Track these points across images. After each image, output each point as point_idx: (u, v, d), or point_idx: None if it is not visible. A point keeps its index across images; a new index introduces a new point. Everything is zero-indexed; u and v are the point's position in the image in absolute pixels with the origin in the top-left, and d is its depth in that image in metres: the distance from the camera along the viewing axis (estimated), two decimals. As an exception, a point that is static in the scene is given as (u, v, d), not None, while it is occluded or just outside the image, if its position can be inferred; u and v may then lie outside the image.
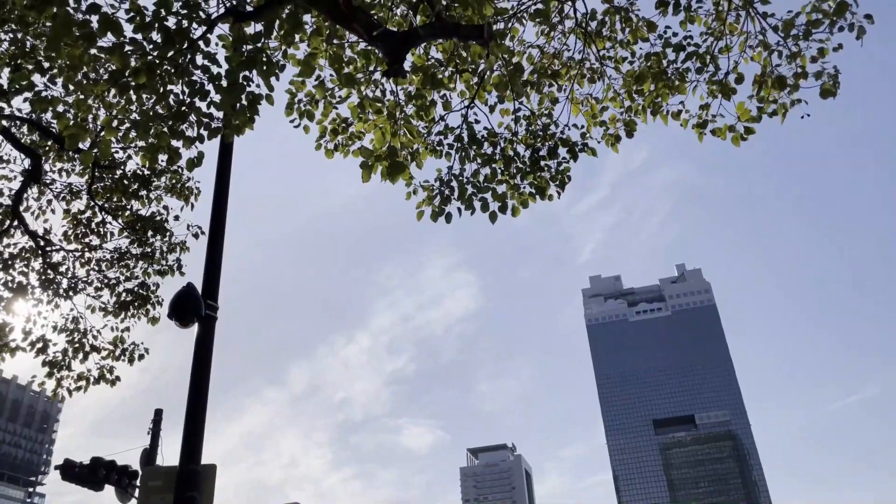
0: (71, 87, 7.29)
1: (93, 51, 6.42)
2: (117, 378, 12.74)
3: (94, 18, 6.11)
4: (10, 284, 12.28)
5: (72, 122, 6.40)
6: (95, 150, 6.52)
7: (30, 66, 9.19)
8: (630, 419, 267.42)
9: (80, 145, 10.36)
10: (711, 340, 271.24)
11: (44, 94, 7.69)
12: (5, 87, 9.29)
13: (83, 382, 12.49)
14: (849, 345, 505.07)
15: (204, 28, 5.98)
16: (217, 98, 6.46)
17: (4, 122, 9.82)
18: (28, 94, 9.93)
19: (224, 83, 6.41)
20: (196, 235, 12.50)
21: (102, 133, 6.26)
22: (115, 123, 6.13)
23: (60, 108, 10.06)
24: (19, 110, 10.73)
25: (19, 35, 8.60)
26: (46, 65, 9.16)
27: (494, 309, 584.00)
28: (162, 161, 10.71)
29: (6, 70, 9.21)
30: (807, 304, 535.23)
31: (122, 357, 12.63)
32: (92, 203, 12.57)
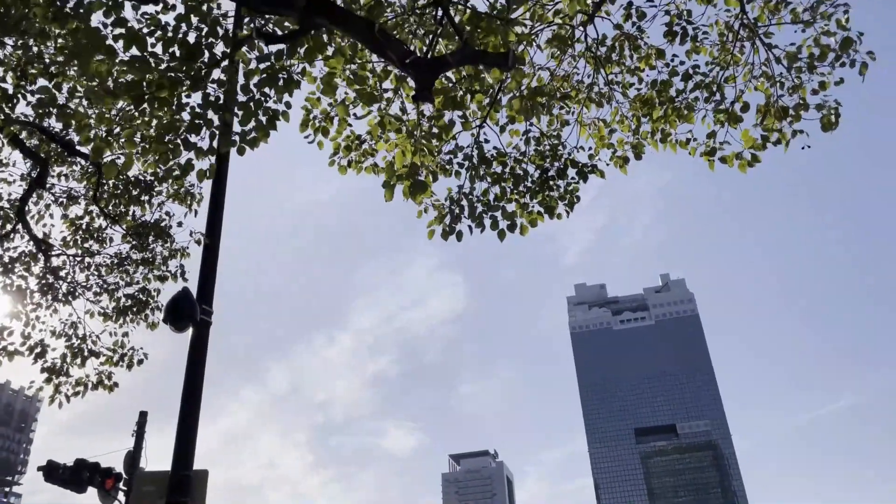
0: (86, 98, 7.38)
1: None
2: (115, 384, 12.74)
3: (114, 31, 6.24)
4: (9, 288, 12.26)
5: (93, 134, 6.47)
6: (119, 160, 6.60)
7: (34, 71, 9.24)
8: (612, 427, 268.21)
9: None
10: (694, 350, 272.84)
11: (63, 106, 7.75)
12: (10, 91, 9.31)
13: (81, 388, 12.47)
14: (832, 353, 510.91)
15: (229, 45, 6.09)
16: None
17: (12, 128, 9.84)
18: (32, 100, 10.02)
19: (242, 98, 6.54)
20: (199, 242, 12.53)
21: (124, 145, 6.35)
22: (136, 137, 6.22)
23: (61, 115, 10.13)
24: (24, 115, 10.75)
25: (29, 42, 8.64)
26: (53, 71, 9.22)
27: (478, 310, 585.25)
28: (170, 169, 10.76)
29: (10, 75, 9.26)
30: (789, 312, 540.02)
31: (121, 362, 12.63)
32: (92, 208, 12.59)
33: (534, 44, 7.77)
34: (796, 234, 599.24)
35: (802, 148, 7.59)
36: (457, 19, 6.74)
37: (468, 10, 6.56)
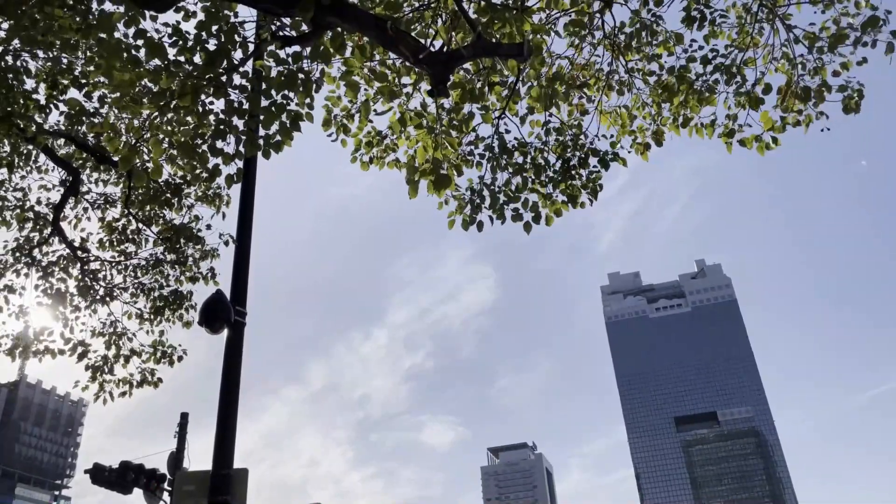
0: (114, 108, 7.59)
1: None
2: (159, 380, 13.03)
3: (137, 42, 6.39)
4: (48, 291, 12.60)
5: (122, 144, 6.65)
6: (147, 168, 6.77)
7: (65, 82, 9.48)
8: (651, 416, 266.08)
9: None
10: (733, 336, 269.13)
11: (93, 115, 7.99)
12: (42, 102, 9.55)
13: (127, 387, 12.78)
14: (876, 335, 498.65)
15: (247, 51, 6.21)
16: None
17: (44, 137, 10.10)
18: (64, 109, 10.24)
19: (264, 102, 6.64)
20: (227, 243, 12.74)
21: (151, 153, 6.52)
22: (164, 144, 6.38)
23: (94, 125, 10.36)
24: (58, 124, 11.03)
25: (59, 53, 8.87)
26: (83, 81, 9.45)
27: (512, 302, 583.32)
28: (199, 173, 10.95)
29: (42, 86, 9.51)
30: (830, 295, 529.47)
31: (163, 359, 12.92)
32: (127, 212, 12.86)
33: (551, 32, 7.78)
34: (834, 213, 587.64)
35: (822, 130, 7.54)
36: (473, 13, 6.78)
37: (482, 2, 6.61)
